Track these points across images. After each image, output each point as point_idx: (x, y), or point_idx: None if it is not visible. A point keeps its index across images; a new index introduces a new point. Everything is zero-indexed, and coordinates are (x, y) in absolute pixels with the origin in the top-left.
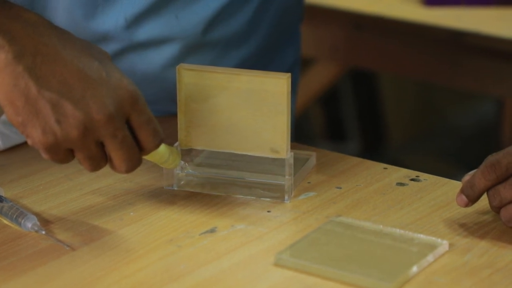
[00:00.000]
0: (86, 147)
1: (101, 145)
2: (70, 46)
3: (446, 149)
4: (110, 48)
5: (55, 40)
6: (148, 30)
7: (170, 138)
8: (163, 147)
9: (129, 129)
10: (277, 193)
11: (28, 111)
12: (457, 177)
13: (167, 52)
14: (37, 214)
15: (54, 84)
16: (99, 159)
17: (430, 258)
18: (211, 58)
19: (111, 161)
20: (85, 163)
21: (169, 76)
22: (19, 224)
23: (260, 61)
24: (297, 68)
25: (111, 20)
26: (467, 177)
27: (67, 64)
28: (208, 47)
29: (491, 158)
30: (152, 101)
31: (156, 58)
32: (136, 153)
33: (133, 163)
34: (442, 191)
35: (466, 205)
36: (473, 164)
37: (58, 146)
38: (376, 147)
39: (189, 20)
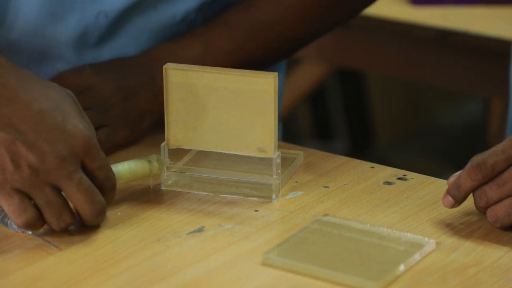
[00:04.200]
0: (40, 189)
1: (59, 192)
2: (29, 87)
3: (433, 148)
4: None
5: (14, 81)
6: None
7: (158, 137)
8: (140, 165)
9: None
10: (264, 193)
11: None
12: (444, 176)
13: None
14: None
15: (10, 126)
16: (59, 206)
17: (417, 256)
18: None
19: (76, 209)
20: (46, 212)
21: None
22: (6, 224)
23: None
24: (282, 68)
25: None
26: (452, 178)
27: (23, 108)
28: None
29: (476, 158)
30: None
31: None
32: (97, 195)
33: (97, 207)
34: (429, 190)
35: (453, 206)
36: (460, 163)
37: (10, 184)
38: (363, 146)
39: None
